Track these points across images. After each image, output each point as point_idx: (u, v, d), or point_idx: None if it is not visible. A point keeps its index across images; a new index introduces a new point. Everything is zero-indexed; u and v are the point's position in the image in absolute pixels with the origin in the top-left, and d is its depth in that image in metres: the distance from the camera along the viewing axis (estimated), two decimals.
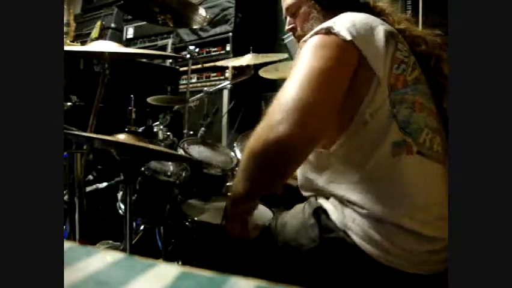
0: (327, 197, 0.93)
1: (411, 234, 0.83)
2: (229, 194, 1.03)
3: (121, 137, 1.03)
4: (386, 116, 0.87)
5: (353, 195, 0.87)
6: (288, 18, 1.15)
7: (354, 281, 0.86)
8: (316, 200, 0.96)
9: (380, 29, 0.91)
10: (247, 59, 1.97)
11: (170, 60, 2.98)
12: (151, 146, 1.06)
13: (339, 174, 0.90)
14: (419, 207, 0.84)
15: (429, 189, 0.87)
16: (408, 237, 0.83)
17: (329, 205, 0.91)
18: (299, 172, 1.02)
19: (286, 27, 1.16)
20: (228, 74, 2.88)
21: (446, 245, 0.84)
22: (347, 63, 0.86)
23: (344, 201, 0.88)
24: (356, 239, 0.84)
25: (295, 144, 0.79)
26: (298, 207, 1.00)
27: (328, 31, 0.87)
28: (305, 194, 1.02)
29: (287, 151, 0.80)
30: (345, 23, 0.88)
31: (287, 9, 1.13)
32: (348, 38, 0.85)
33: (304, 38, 0.92)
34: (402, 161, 0.85)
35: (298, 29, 1.11)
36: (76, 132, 1.02)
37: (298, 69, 0.84)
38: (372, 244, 0.83)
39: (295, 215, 0.97)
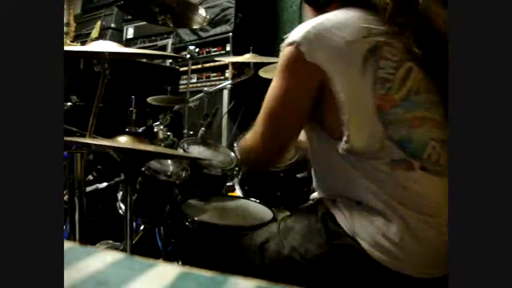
0: (334, 200, 0.92)
1: (421, 239, 0.82)
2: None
3: (121, 138, 1.03)
4: (380, 138, 0.85)
5: (363, 200, 0.86)
6: None
7: (360, 285, 0.85)
8: (322, 203, 0.95)
9: (358, 47, 0.85)
10: (246, 58, 1.97)
11: (170, 60, 2.98)
12: (150, 148, 1.06)
13: (351, 178, 0.89)
14: (427, 216, 0.83)
15: (435, 201, 0.85)
16: (417, 242, 0.82)
17: (336, 210, 0.90)
18: (315, 173, 1.02)
19: None
20: (228, 74, 2.88)
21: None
22: (310, 82, 0.88)
23: (353, 206, 0.87)
24: (364, 245, 0.83)
25: (264, 165, 1.12)
26: (303, 210, 1.00)
27: (293, 44, 0.87)
28: (316, 195, 1.02)
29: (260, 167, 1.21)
30: (314, 42, 0.86)
31: None
32: (315, 62, 0.85)
33: (281, 45, 0.92)
34: (400, 176, 0.84)
35: None
36: (75, 139, 1.03)
37: (268, 93, 0.93)
38: (381, 250, 0.82)
39: (300, 220, 0.96)
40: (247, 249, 0.99)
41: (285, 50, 0.89)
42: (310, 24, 0.88)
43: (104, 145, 0.99)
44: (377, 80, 0.85)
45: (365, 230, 0.84)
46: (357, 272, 0.85)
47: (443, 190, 0.84)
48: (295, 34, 0.88)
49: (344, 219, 0.87)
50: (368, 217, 0.85)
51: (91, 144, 1.06)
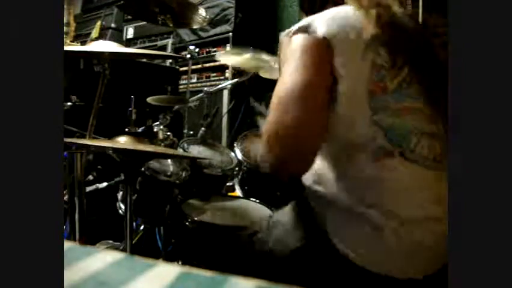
0: (315, 195, 0.92)
1: (393, 238, 0.81)
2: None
3: (121, 138, 1.03)
4: (367, 123, 0.85)
5: (337, 197, 0.86)
6: None
7: (333, 284, 0.85)
8: (305, 199, 0.95)
9: (361, 32, 0.86)
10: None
11: (170, 60, 2.98)
12: (150, 148, 1.06)
13: (327, 174, 0.90)
14: (400, 212, 0.82)
15: (413, 192, 0.84)
16: (390, 241, 0.81)
17: (316, 205, 0.90)
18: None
19: None
20: (228, 74, 2.88)
21: (427, 249, 0.82)
22: (324, 64, 0.86)
23: (329, 201, 0.88)
24: (336, 241, 0.83)
25: (288, 171, 0.90)
26: (289, 206, 1.00)
27: (305, 30, 0.87)
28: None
29: (283, 173, 0.93)
30: (322, 21, 0.87)
31: None
32: (325, 36, 0.84)
33: (284, 33, 0.91)
34: (379, 164, 0.84)
35: None
36: (75, 141, 1.03)
37: (280, 83, 0.86)
38: (350, 247, 0.82)
39: (288, 213, 0.97)
40: (241, 240, 1.01)
41: (294, 38, 0.88)
42: (312, 15, 0.89)
43: (104, 146, 0.99)
44: (374, 66, 0.86)
45: (338, 226, 0.84)
46: (330, 268, 0.85)
47: (422, 182, 0.84)
48: (301, 23, 0.88)
49: (321, 214, 0.88)
50: (342, 213, 0.85)
51: (91, 145, 1.06)
